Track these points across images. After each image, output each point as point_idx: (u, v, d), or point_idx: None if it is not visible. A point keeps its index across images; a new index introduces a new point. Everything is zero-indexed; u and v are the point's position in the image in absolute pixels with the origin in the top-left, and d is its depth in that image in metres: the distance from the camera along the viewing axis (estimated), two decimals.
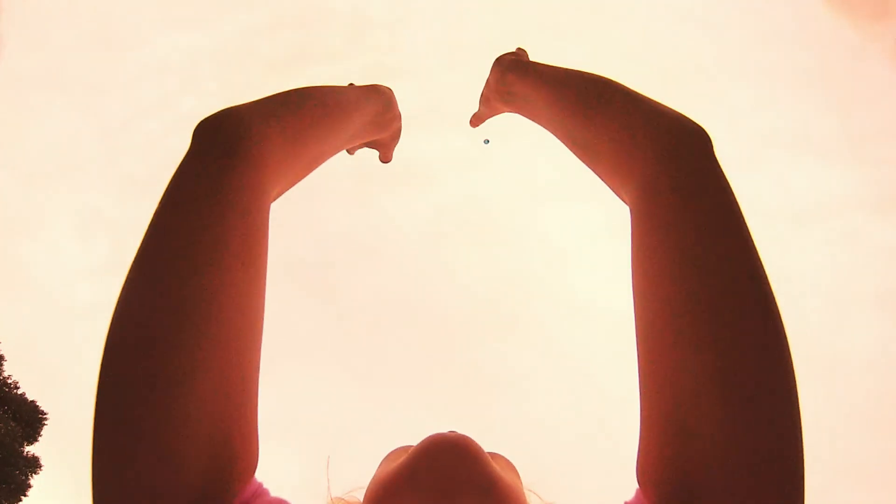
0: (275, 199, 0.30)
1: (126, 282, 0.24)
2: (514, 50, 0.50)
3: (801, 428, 0.22)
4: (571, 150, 0.36)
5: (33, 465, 8.77)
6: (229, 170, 0.25)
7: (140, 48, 15.74)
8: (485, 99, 0.52)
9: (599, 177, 0.34)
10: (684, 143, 0.27)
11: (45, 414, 9.15)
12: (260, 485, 0.26)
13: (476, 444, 0.27)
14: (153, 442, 0.21)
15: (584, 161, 0.35)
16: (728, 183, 0.26)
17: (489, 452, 0.31)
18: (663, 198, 0.26)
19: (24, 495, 8.62)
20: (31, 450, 8.86)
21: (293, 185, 0.33)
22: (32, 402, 9.08)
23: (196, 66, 16.23)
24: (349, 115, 0.37)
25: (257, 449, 0.25)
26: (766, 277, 0.24)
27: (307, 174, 0.35)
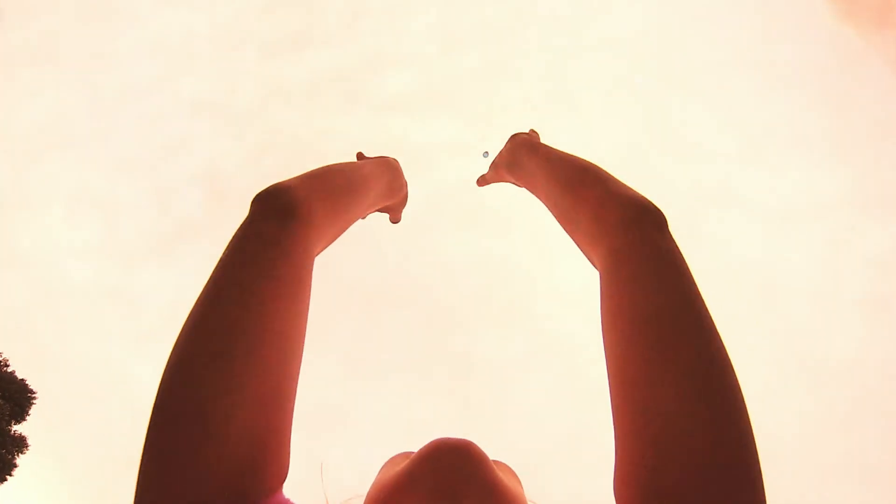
0: (317, 255, 0.37)
1: (194, 307, 0.29)
2: (527, 131, 0.60)
3: (754, 444, 0.26)
4: (557, 219, 0.43)
5: (20, 444, 8.84)
6: (284, 229, 0.32)
7: (136, 26, 15.54)
8: (495, 166, 0.61)
9: (576, 244, 0.41)
10: (644, 220, 0.33)
11: (35, 393, 9.19)
12: (288, 500, 0.29)
13: (479, 449, 0.28)
14: (194, 446, 0.23)
15: (565, 229, 0.42)
16: (678, 249, 0.32)
17: (493, 460, 0.32)
18: (627, 262, 0.32)
19: (10, 475, 8.69)
20: (18, 429, 8.91)
21: (329, 244, 0.40)
22: (22, 380, 9.11)
23: (192, 47, 16.07)
24: (368, 188, 0.45)
25: (287, 463, 0.28)
26: (711, 322, 0.29)
27: (339, 236, 0.42)
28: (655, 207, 0.35)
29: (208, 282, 0.30)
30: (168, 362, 0.27)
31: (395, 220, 0.62)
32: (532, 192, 0.52)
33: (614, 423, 0.29)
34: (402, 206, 0.60)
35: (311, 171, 0.40)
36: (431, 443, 0.29)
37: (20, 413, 8.93)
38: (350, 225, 0.44)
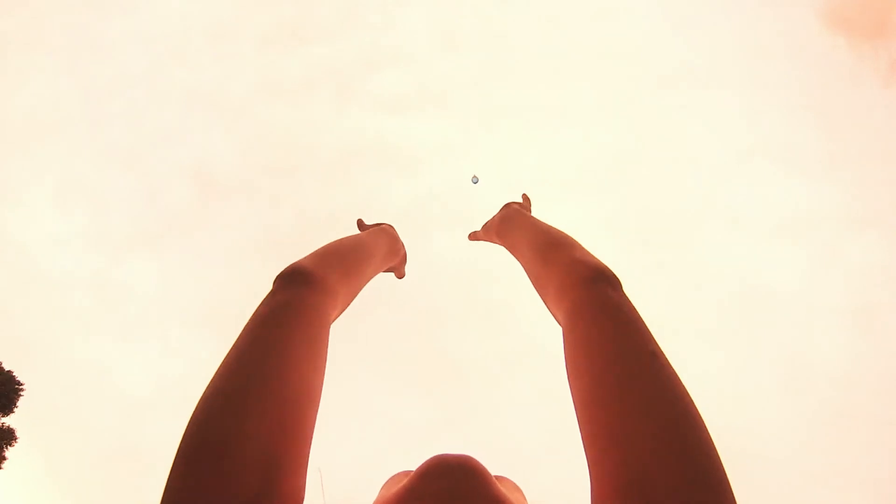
0: (334, 319, 0.41)
1: (221, 364, 0.32)
2: (521, 198, 0.69)
3: (716, 452, 0.27)
4: (531, 281, 0.50)
5: (8, 436, 8.59)
6: (303, 300, 0.37)
7: (128, 15, 15.24)
8: (486, 227, 0.68)
9: (544, 301, 0.46)
10: (599, 280, 0.38)
11: (22, 385, 8.97)
12: None
13: (481, 465, 0.29)
14: (215, 479, 0.26)
15: (537, 291, 0.48)
16: (630, 304, 0.37)
17: (495, 475, 0.32)
18: (583, 316, 0.37)
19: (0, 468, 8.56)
20: (6, 421, 8.75)
21: (344, 310, 0.45)
22: (9, 372, 8.86)
23: (185, 38, 15.79)
24: (372, 257, 0.52)
25: (303, 488, 0.31)
26: (665, 359, 0.32)
27: (352, 301, 0.47)
28: (610, 271, 0.39)
29: (234, 344, 0.33)
30: (198, 402, 0.30)
31: (399, 276, 0.68)
32: (513, 255, 0.58)
33: (585, 452, 0.30)
34: (404, 263, 0.68)
35: (322, 249, 0.45)
36: (431, 459, 0.29)
37: (8, 405, 8.75)
38: (360, 290, 0.49)
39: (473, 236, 0.72)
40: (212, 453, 0.26)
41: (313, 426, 0.32)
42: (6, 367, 8.88)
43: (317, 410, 0.33)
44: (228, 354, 0.32)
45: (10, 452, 8.67)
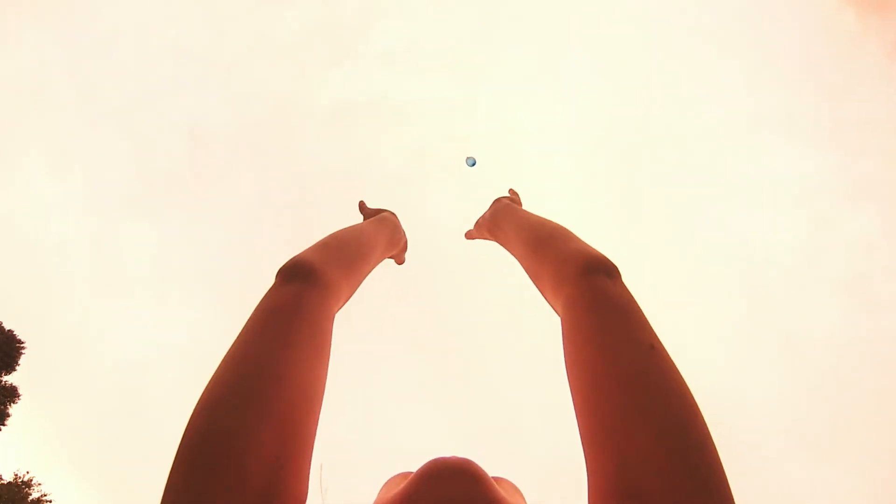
0: (336, 312, 0.41)
1: (223, 359, 0.32)
2: (508, 192, 0.69)
3: (716, 451, 0.27)
4: (527, 274, 0.49)
5: (11, 394, 8.71)
6: (304, 294, 0.36)
7: None
8: (478, 225, 0.67)
9: (543, 295, 0.45)
10: (596, 270, 0.37)
11: (23, 343, 9.05)
12: None
13: (479, 468, 0.28)
14: (217, 477, 0.26)
15: (534, 283, 0.47)
16: (629, 295, 0.36)
17: (493, 477, 0.32)
18: (581, 307, 0.35)
19: (3, 424, 8.61)
20: (8, 379, 8.83)
21: (347, 301, 0.45)
22: (10, 331, 8.94)
23: None
24: (374, 248, 0.51)
25: (305, 495, 0.30)
26: (664, 351, 0.32)
27: (354, 292, 0.47)
28: (607, 260, 0.38)
29: (237, 339, 0.33)
30: (200, 398, 0.29)
31: (399, 262, 0.68)
32: (507, 250, 0.57)
33: (584, 451, 0.30)
34: (404, 251, 0.67)
35: (323, 241, 0.45)
36: (429, 463, 0.29)
37: (10, 363, 8.88)
38: (362, 281, 0.48)
39: (469, 236, 0.71)
40: (215, 454, 0.26)
41: (316, 425, 0.32)
42: (6, 327, 8.96)
43: (320, 409, 0.33)
44: (231, 350, 0.32)
45: (13, 409, 8.83)
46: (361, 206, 0.66)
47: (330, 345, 0.37)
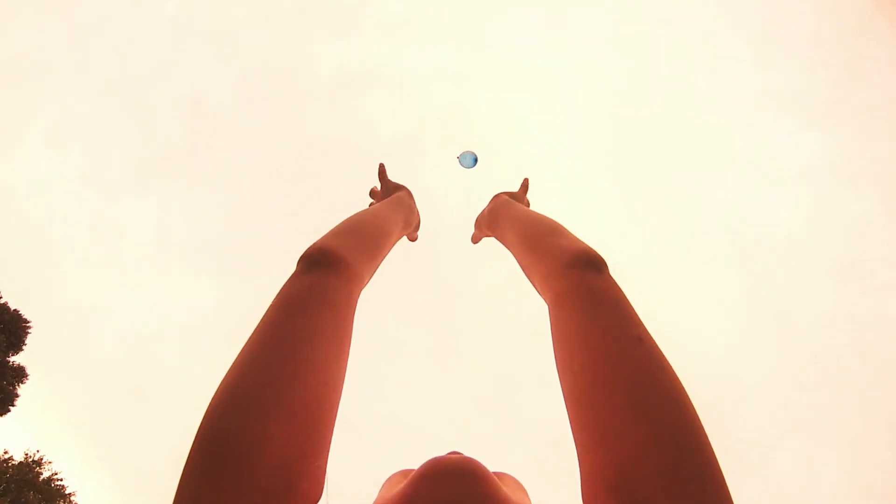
0: (358, 295, 0.41)
1: (243, 347, 0.31)
2: (521, 182, 0.70)
3: (707, 442, 0.27)
4: (521, 268, 0.50)
5: (19, 374, 8.77)
6: (326, 281, 0.36)
7: None
8: (478, 223, 0.68)
9: (532, 284, 0.46)
10: (585, 264, 0.38)
11: (29, 322, 8.95)
12: None
13: (481, 466, 0.28)
14: (234, 466, 0.25)
15: (527, 277, 0.48)
16: (617, 286, 0.36)
17: (495, 472, 0.32)
18: (568, 300, 0.36)
19: (12, 405, 8.71)
20: (16, 360, 8.81)
21: (368, 282, 0.45)
22: (15, 311, 8.83)
23: None
24: (391, 230, 0.52)
25: (322, 486, 0.31)
26: (651, 342, 0.32)
27: (373, 274, 0.47)
28: (594, 254, 0.39)
29: (258, 329, 0.32)
30: (216, 392, 0.29)
31: (412, 239, 0.67)
32: (504, 246, 0.57)
33: (575, 443, 0.30)
34: (417, 229, 0.66)
35: (341, 226, 0.44)
36: (427, 463, 0.29)
37: (17, 343, 8.94)
38: (380, 264, 0.48)
39: (474, 238, 0.72)
40: (230, 453, 0.26)
41: (334, 422, 0.31)
42: (11, 307, 8.97)
43: (338, 405, 0.32)
44: (251, 341, 0.31)
45: (21, 390, 8.87)
46: (381, 171, 0.66)
47: (351, 334, 0.37)
